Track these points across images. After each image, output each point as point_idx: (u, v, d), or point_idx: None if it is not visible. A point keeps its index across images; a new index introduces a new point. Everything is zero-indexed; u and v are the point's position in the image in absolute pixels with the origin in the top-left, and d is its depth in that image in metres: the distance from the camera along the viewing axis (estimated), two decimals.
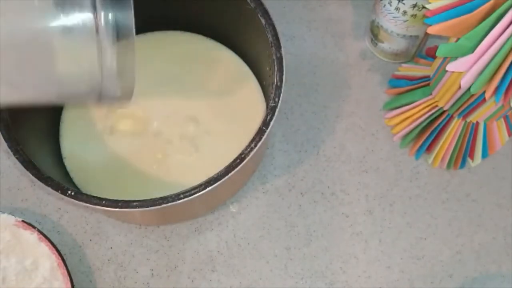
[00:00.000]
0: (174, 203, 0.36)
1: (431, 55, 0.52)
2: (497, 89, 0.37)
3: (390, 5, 0.47)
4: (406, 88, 0.50)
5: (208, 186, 0.36)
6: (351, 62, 0.55)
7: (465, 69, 0.37)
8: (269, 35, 0.40)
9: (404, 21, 0.47)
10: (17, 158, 0.37)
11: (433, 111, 0.47)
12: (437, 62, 0.45)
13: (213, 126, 0.48)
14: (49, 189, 0.37)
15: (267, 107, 0.39)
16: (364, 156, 0.51)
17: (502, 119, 0.47)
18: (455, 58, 0.38)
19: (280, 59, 0.40)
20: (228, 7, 0.45)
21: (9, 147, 0.38)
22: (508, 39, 0.34)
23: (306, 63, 0.55)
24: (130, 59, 0.32)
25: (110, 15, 0.29)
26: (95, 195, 0.37)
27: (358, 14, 0.57)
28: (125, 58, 0.31)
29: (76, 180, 0.46)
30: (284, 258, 0.47)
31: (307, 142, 0.51)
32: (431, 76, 0.47)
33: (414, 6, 0.45)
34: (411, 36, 0.49)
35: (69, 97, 0.34)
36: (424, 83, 0.48)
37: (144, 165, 0.47)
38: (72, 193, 0.36)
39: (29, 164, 0.37)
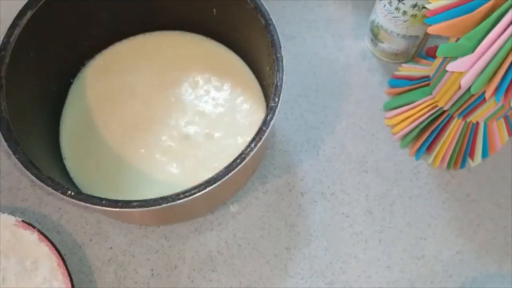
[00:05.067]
0: (174, 203, 0.36)
1: (431, 55, 0.53)
2: (497, 89, 0.37)
3: (390, 5, 0.47)
4: (406, 88, 0.50)
5: (208, 186, 0.36)
6: (351, 62, 0.55)
7: (465, 69, 0.37)
8: (269, 35, 0.40)
9: (404, 21, 0.47)
10: (17, 158, 0.37)
11: (433, 111, 0.47)
12: (437, 62, 0.45)
13: (213, 127, 0.48)
14: (49, 189, 0.36)
15: (267, 107, 0.39)
16: (364, 156, 0.51)
17: (502, 119, 0.47)
18: (455, 58, 0.38)
19: (280, 59, 0.40)
20: (228, 7, 0.45)
21: (9, 147, 0.38)
22: (508, 39, 0.34)
23: (306, 63, 0.55)
24: None
25: None
26: (95, 195, 0.37)
27: (358, 14, 0.57)
28: None
29: (76, 180, 0.46)
30: (284, 258, 0.47)
31: (307, 142, 0.51)
32: (431, 76, 0.47)
33: (414, 6, 0.45)
34: (411, 36, 0.49)
35: None
36: (424, 83, 0.48)
37: (144, 166, 0.47)
38: (72, 193, 0.36)
39: (29, 164, 0.37)
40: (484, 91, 0.38)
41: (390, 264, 0.47)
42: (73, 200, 0.36)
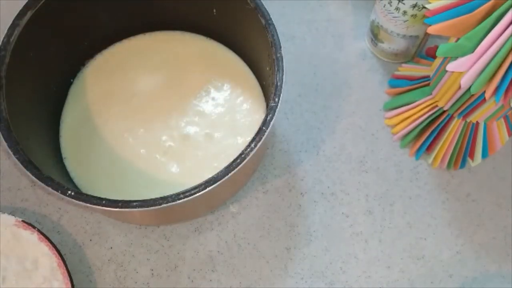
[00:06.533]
0: (174, 203, 0.36)
1: (431, 55, 0.53)
2: (497, 89, 0.37)
3: (390, 5, 0.47)
4: (406, 88, 0.50)
5: (208, 186, 0.36)
6: (351, 62, 0.55)
7: (465, 69, 0.37)
8: (269, 35, 0.40)
9: (404, 21, 0.47)
10: (17, 158, 0.37)
11: (433, 111, 0.47)
12: (437, 62, 0.45)
13: (213, 127, 0.48)
14: (49, 189, 0.36)
15: (267, 107, 0.39)
16: (364, 156, 0.51)
17: (502, 119, 0.47)
18: (455, 58, 0.38)
19: (280, 59, 0.40)
20: (228, 7, 0.45)
21: (9, 147, 0.38)
22: (508, 39, 0.34)
23: (306, 63, 0.55)
24: None
25: None
26: (95, 195, 0.37)
27: (358, 14, 0.57)
28: None
29: (76, 180, 0.46)
30: (284, 258, 0.47)
31: (307, 142, 0.51)
32: (431, 76, 0.47)
33: (414, 6, 0.45)
34: (411, 36, 0.49)
35: None
36: (424, 83, 0.48)
37: (144, 165, 0.47)
38: (72, 193, 0.36)
39: (29, 164, 0.37)
40: (484, 91, 0.38)
41: (390, 264, 0.47)
42: (73, 200, 0.36)
